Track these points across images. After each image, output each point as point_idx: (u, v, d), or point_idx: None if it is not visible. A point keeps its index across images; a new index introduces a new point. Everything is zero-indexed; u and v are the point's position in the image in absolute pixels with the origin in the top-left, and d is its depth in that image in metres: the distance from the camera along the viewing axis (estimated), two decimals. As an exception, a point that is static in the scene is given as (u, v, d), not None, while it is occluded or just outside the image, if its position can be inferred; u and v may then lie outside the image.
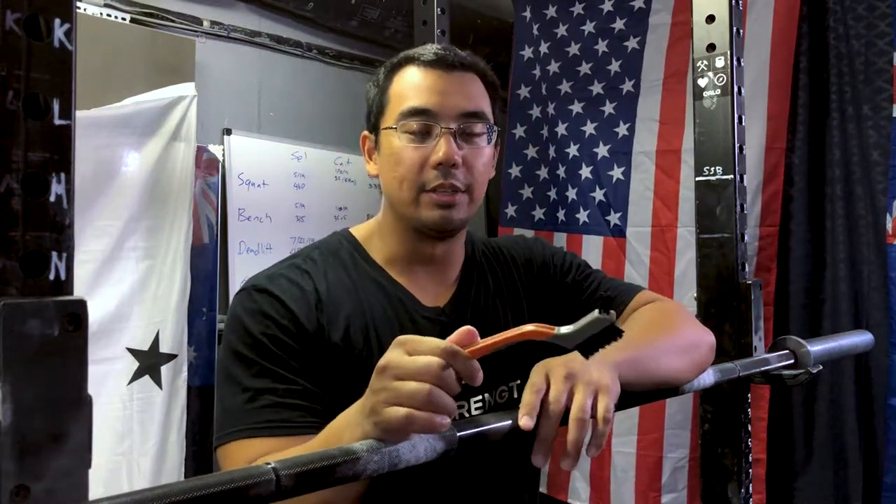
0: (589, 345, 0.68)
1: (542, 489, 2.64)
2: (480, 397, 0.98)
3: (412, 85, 0.95)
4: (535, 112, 2.80)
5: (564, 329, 0.68)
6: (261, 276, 0.95)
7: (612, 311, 0.67)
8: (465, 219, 0.97)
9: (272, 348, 0.87)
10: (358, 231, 1.04)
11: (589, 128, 2.64)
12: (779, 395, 2.20)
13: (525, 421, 0.70)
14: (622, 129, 2.56)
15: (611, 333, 0.67)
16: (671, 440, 2.38)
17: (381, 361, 0.67)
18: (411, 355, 0.66)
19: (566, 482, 2.62)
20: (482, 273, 1.06)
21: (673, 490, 2.37)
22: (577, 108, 2.67)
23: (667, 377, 0.89)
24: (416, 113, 0.93)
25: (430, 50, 0.96)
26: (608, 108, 2.60)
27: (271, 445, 0.81)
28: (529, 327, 0.69)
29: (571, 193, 2.68)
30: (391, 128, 0.94)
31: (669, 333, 0.94)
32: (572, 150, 2.67)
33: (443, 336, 0.85)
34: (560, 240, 2.70)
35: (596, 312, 0.67)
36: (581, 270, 1.09)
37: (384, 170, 0.97)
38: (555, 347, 0.95)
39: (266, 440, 0.82)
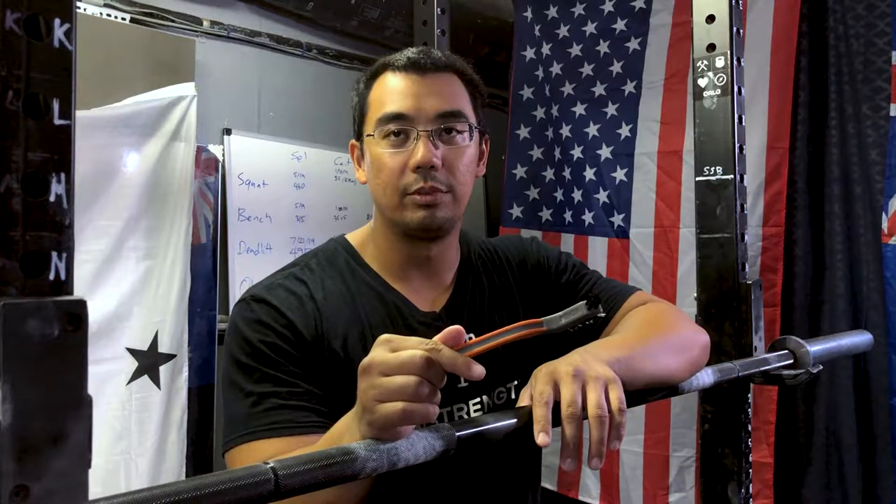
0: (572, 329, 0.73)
1: (552, 487, 2.64)
2: (478, 399, 0.98)
3: (388, 91, 0.96)
4: (539, 113, 2.80)
5: (555, 323, 0.71)
6: (259, 286, 0.96)
7: (601, 306, 0.70)
8: (451, 218, 0.97)
9: (271, 355, 0.88)
10: (353, 237, 1.05)
11: (592, 129, 2.64)
12: (780, 398, 2.20)
13: (542, 438, 0.69)
14: (624, 131, 2.56)
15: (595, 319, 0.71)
16: (677, 439, 2.39)
17: (365, 361, 0.68)
18: (395, 352, 0.66)
19: (577, 479, 2.62)
20: (477, 276, 1.06)
21: (680, 489, 2.38)
22: (580, 109, 2.68)
23: (661, 376, 0.89)
24: (391, 118, 0.94)
25: (405, 55, 0.97)
26: (610, 110, 2.60)
27: (278, 446, 0.82)
28: (520, 332, 0.71)
29: (577, 195, 2.68)
30: (371, 135, 0.96)
31: (663, 333, 0.95)
32: (576, 152, 2.67)
33: None
34: (567, 241, 2.71)
35: (584, 308, 0.70)
36: (576, 271, 1.09)
37: (370, 177, 0.98)
38: (547, 344, 0.96)
39: (273, 441, 0.83)
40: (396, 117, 0.94)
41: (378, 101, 0.96)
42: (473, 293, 1.04)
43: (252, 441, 0.84)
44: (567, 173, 2.71)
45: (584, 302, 0.70)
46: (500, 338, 0.70)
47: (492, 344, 0.70)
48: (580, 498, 2.61)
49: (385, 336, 0.69)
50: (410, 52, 0.97)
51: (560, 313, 0.71)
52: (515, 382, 1.02)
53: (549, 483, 2.63)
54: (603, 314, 0.70)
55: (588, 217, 2.65)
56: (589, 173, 2.64)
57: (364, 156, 1.00)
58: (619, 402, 0.72)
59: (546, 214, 2.80)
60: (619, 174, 2.57)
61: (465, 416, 0.97)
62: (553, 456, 2.66)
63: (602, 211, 2.61)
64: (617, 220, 2.57)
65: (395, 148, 0.94)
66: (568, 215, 2.72)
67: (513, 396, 1.01)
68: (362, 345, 0.93)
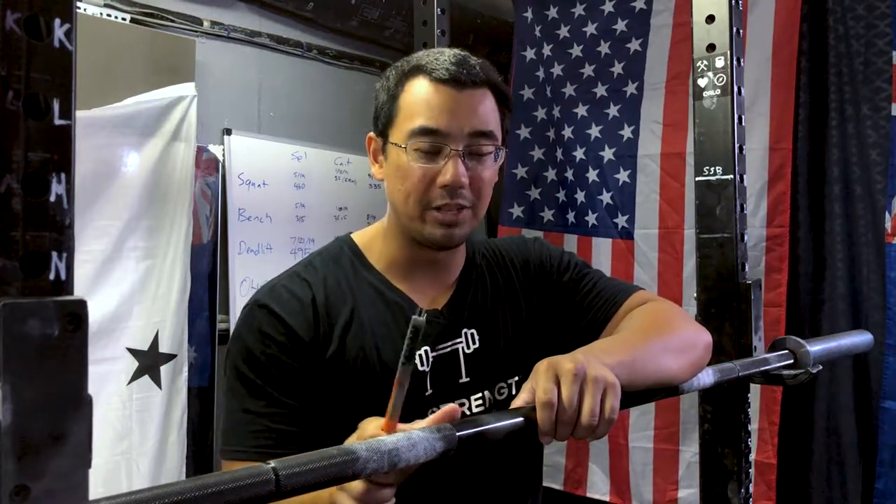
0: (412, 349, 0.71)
1: (559, 486, 2.65)
2: (480, 395, 0.99)
3: (423, 101, 0.94)
4: (541, 114, 2.80)
5: (403, 357, 0.70)
6: (265, 287, 0.98)
7: (419, 310, 0.71)
8: (468, 233, 0.99)
9: (270, 369, 0.91)
10: (360, 237, 1.05)
11: (594, 131, 2.65)
12: (785, 398, 2.20)
13: (546, 440, 0.75)
14: (627, 132, 2.57)
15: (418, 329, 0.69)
16: (686, 435, 2.40)
17: None
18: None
19: (584, 477, 2.63)
20: (481, 275, 1.07)
21: (690, 485, 2.39)
22: (581, 110, 2.68)
23: (663, 378, 0.89)
24: (425, 132, 0.92)
25: (443, 63, 0.94)
26: (612, 111, 2.61)
27: None
28: (395, 387, 0.71)
29: (580, 196, 2.69)
30: (400, 145, 0.94)
31: (665, 334, 0.95)
32: (579, 153, 2.68)
33: (440, 337, 0.94)
34: (570, 241, 2.71)
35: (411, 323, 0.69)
36: (578, 270, 1.09)
37: (390, 180, 0.97)
38: (547, 342, 0.97)
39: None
40: (430, 132, 0.92)
41: (410, 108, 0.94)
42: (475, 290, 1.04)
43: (240, 461, 0.89)
44: (569, 174, 2.71)
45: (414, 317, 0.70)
46: (398, 393, 0.71)
47: (394, 401, 0.71)
48: (589, 495, 2.62)
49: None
50: (449, 63, 0.94)
51: (405, 348, 0.71)
52: (516, 378, 1.02)
53: (555, 483, 2.64)
54: (424, 321, 0.69)
55: (591, 218, 2.66)
56: (592, 174, 2.65)
57: (385, 154, 0.99)
58: (612, 411, 0.74)
59: (548, 215, 2.80)
60: (623, 175, 2.57)
61: (467, 412, 0.97)
62: (558, 455, 2.66)
63: (606, 212, 2.62)
64: (621, 221, 2.58)
65: (425, 162, 0.93)
66: (571, 216, 2.73)
67: (513, 392, 1.01)
68: (360, 344, 0.94)
